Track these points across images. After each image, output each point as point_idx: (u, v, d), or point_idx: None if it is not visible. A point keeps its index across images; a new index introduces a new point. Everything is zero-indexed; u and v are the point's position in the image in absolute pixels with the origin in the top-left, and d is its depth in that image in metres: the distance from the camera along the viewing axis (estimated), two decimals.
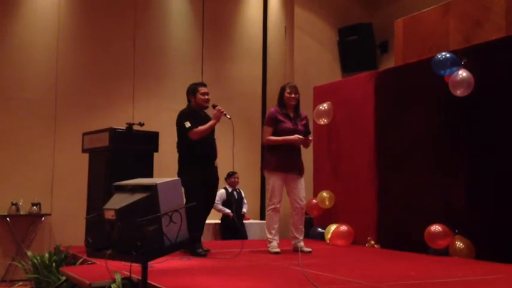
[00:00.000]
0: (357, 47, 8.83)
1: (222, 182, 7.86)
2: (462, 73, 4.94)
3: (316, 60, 8.77)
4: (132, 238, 3.05)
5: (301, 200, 5.30)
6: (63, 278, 4.28)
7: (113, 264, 3.43)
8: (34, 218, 7.55)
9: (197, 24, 8.95)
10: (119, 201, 3.23)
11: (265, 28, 9.39)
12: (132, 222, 3.05)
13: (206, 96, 5.32)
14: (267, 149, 5.34)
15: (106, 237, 3.25)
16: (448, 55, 5.07)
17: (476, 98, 4.95)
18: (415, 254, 5.24)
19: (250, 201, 8.41)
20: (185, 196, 4.97)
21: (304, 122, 5.39)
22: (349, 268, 4.37)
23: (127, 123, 5.46)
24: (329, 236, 6.26)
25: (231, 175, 7.87)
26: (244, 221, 8.01)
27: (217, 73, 8.92)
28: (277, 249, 5.17)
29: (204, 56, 8.89)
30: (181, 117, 5.21)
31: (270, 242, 5.24)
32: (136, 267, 3.31)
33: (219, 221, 7.96)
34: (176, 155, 5.31)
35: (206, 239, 7.50)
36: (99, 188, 5.29)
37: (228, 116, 5.19)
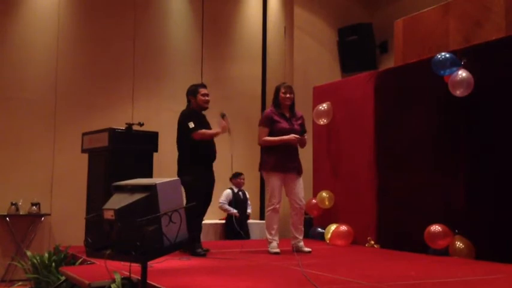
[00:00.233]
0: (356, 47, 8.82)
1: (226, 182, 7.92)
2: (462, 73, 4.93)
3: (316, 60, 8.76)
4: (131, 238, 3.05)
5: (300, 200, 5.29)
6: (63, 278, 4.28)
7: (112, 264, 3.43)
8: (34, 218, 7.55)
9: (197, 24, 8.95)
10: (118, 201, 3.23)
11: (264, 28, 9.39)
12: (131, 222, 3.05)
13: (206, 97, 5.35)
14: (264, 150, 5.32)
15: (105, 237, 3.25)
16: (447, 55, 5.06)
17: (476, 98, 4.95)
18: (415, 254, 5.23)
19: (250, 201, 8.40)
20: (186, 196, 4.97)
21: (300, 121, 5.38)
22: (349, 268, 4.37)
23: (126, 123, 5.46)
24: (329, 236, 6.26)
25: (237, 175, 7.87)
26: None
27: (217, 73, 8.92)
28: (277, 250, 5.17)
29: (203, 56, 8.89)
30: (184, 118, 5.22)
31: (270, 243, 5.24)
32: (136, 267, 3.31)
33: (223, 221, 7.98)
34: (175, 155, 5.31)
35: (209, 238, 7.52)
36: (99, 188, 5.29)
37: (230, 132, 5.27)
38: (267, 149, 5.29)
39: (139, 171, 4.92)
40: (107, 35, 8.25)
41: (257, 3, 9.42)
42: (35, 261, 4.86)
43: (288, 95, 5.32)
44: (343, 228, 6.15)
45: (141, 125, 5.50)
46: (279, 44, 9.22)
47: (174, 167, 5.29)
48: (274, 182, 5.20)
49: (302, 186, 5.33)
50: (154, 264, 3.90)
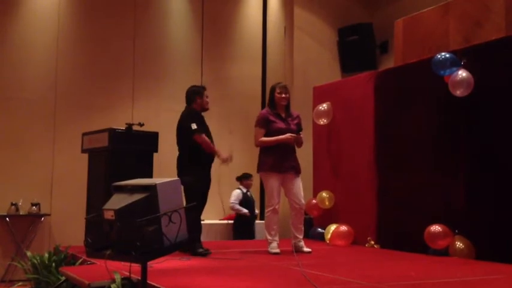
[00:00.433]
0: (356, 47, 8.82)
1: (234, 182, 7.96)
2: (462, 73, 4.93)
3: (316, 61, 8.76)
4: (131, 238, 3.05)
5: (299, 200, 5.27)
6: (63, 278, 4.28)
7: (112, 264, 3.43)
8: (34, 218, 7.55)
9: (197, 24, 8.95)
10: (118, 201, 3.23)
11: (264, 28, 9.39)
12: (131, 223, 3.05)
13: (208, 100, 5.41)
14: (261, 151, 5.31)
15: (105, 237, 3.25)
16: (447, 55, 5.06)
17: (476, 98, 4.94)
18: (415, 254, 5.23)
19: None
20: (185, 195, 4.97)
21: (296, 121, 5.36)
22: (349, 268, 4.37)
23: (126, 124, 5.46)
24: (329, 236, 6.26)
25: (248, 177, 7.92)
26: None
27: (216, 73, 8.93)
28: (277, 250, 5.17)
29: (203, 56, 8.89)
30: (188, 118, 5.22)
31: (270, 243, 5.23)
32: (136, 267, 3.31)
33: (230, 221, 8.03)
34: (175, 156, 5.31)
35: (216, 238, 7.55)
36: (99, 188, 5.29)
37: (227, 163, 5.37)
38: (264, 150, 5.28)
39: (139, 171, 4.92)
40: (107, 35, 8.25)
41: (257, 3, 9.42)
42: (35, 261, 4.86)
43: (283, 95, 5.31)
44: (343, 228, 6.15)
45: (141, 125, 5.50)
46: (279, 44, 9.22)
47: (174, 167, 5.29)
48: (272, 182, 5.19)
49: (301, 186, 5.31)
50: (154, 265, 3.90)
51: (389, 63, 7.93)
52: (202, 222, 5.38)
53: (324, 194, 6.65)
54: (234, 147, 5.44)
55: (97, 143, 5.48)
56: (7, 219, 7.37)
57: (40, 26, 7.93)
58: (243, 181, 8.00)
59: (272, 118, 5.26)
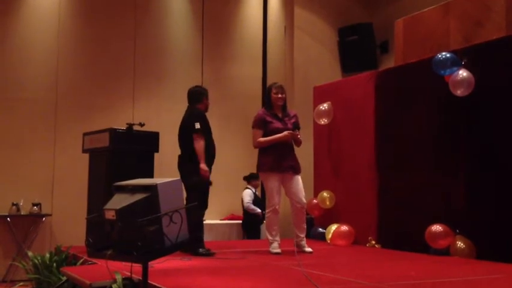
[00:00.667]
0: (357, 47, 8.82)
1: (241, 182, 7.98)
2: (462, 73, 4.93)
3: (316, 60, 8.76)
4: (132, 238, 3.06)
5: (300, 199, 5.26)
6: (64, 278, 4.28)
7: (113, 264, 3.43)
8: (35, 218, 7.56)
9: (197, 24, 8.95)
10: (119, 201, 3.23)
11: (265, 28, 9.39)
12: (132, 223, 3.05)
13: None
14: (260, 151, 5.31)
15: (106, 237, 3.25)
16: (448, 55, 5.06)
17: (476, 98, 4.95)
18: (415, 254, 5.23)
19: None
20: (188, 195, 4.97)
21: (293, 120, 5.36)
22: (350, 268, 4.37)
23: (127, 124, 5.46)
24: (330, 236, 6.26)
25: (256, 177, 7.92)
26: None
27: (217, 73, 8.93)
28: (278, 250, 5.17)
29: (204, 56, 8.89)
30: (193, 117, 5.21)
31: (271, 243, 5.23)
32: (137, 267, 3.31)
33: (239, 221, 8.08)
34: (176, 156, 5.31)
35: (216, 238, 7.56)
36: (100, 188, 5.28)
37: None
38: (262, 151, 5.27)
39: (140, 171, 4.92)
40: (107, 35, 8.26)
41: (257, 3, 9.42)
42: (36, 261, 4.86)
43: (279, 95, 5.31)
44: (344, 228, 6.15)
45: (142, 125, 5.50)
46: (279, 44, 9.22)
47: (174, 167, 5.29)
48: (272, 182, 5.18)
49: (301, 185, 5.30)
50: (156, 265, 3.90)
51: (389, 63, 7.93)
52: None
53: (325, 194, 6.65)
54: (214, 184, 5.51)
55: (98, 143, 5.48)
56: (8, 219, 7.38)
57: (41, 26, 7.94)
58: (251, 181, 8.01)
59: (269, 118, 5.26)
